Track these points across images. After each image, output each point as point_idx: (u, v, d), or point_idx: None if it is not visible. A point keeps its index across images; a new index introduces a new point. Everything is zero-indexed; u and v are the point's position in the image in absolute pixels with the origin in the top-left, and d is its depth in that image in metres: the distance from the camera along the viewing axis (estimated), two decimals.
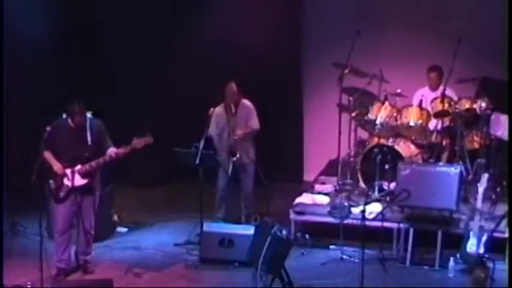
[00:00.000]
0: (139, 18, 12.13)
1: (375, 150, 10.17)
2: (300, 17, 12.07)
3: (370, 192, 9.93)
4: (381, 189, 9.97)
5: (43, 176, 8.73)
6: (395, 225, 9.41)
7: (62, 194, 8.84)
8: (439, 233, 9.15)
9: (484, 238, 8.82)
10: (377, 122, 10.35)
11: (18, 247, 9.77)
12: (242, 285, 8.58)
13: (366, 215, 8.64)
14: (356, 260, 9.07)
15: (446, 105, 10.17)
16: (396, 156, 10.08)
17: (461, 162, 9.96)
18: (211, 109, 9.84)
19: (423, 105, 10.44)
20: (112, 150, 8.85)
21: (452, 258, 8.95)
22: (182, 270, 9.21)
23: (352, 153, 10.76)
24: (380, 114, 10.37)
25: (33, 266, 8.44)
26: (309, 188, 10.70)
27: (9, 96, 10.78)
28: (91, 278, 8.82)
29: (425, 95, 10.64)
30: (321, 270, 9.10)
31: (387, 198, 9.56)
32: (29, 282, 8.54)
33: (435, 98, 10.36)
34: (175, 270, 9.21)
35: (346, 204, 9.68)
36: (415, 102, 10.60)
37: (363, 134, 11.04)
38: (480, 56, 11.02)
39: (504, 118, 9.87)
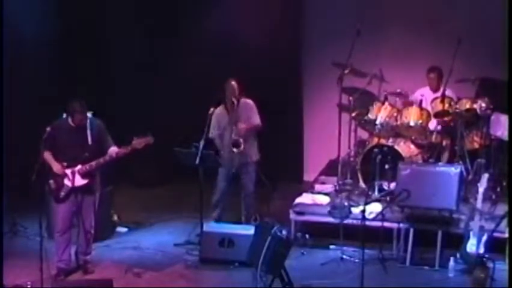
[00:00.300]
0: (139, 18, 12.13)
1: (375, 150, 10.16)
2: (300, 17, 12.06)
3: (370, 192, 9.93)
4: (381, 189, 9.96)
5: (43, 176, 8.73)
6: (395, 225, 9.41)
7: (62, 194, 8.84)
8: (439, 233, 9.15)
9: (484, 238, 8.81)
10: (377, 122, 10.36)
11: (18, 247, 9.77)
12: (242, 285, 8.58)
13: (366, 215, 8.63)
14: (356, 260, 9.07)
15: (446, 105, 10.18)
16: (396, 156, 10.08)
17: (461, 162, 9.96)
18: (211, 109, 9.83)
19: (424, 105, 10.45)
20: (113, 150, 8.84)
21: (452, 258, 8.94)
22: (182, 270, 9.20)
23: (352, 153, 10.76)
24: (380, 114, 10.38)
25: (33, 266, 8.44)
26: (309, 188, 10.69)
27: (9, 96, 10.77)
28: (91, 278, 8.82)
29: (425, 94, 10.65)
30: (321, 270, 9.09)
31: (387, 198, 9.55)
32: (29, 282, 8.54)
33: (436, 98, 10.37)
34: (175, 270, 9.21)
35: (346, 204, 9.67)
36: (415, 99, 10.61)
37: (363, 134, 11.04)
38: (480, 56, 11.01)
39: (504, 118, 9.87)
